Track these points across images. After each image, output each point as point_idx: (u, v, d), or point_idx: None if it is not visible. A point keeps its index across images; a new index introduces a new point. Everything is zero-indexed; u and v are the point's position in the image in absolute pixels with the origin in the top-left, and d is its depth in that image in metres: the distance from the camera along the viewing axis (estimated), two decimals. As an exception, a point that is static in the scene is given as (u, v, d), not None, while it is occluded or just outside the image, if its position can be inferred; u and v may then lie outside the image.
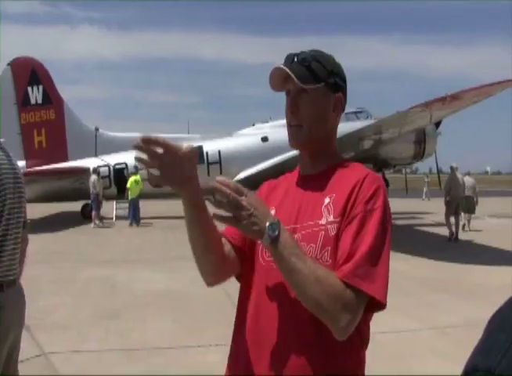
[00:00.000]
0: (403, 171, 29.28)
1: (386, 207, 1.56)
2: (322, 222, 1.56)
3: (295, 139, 1.67)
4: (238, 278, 1.76)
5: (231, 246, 1.70)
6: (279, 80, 1.65)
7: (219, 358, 5.16)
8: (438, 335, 5.92)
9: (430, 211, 21.98)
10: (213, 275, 1.69)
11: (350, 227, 1.50)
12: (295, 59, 1.64)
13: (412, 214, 22.32)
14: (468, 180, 16.69)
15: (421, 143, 20.04)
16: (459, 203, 15.42)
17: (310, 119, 1.64)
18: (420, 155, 20.53)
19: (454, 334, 5.94)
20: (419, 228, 17.49)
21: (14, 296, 2.58)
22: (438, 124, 20.30)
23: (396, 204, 25.29)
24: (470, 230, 17.07)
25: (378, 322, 6.70)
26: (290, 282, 1.44)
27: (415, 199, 30.81)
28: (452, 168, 15.60)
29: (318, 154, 1.71)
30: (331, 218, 1.55)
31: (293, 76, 1.59)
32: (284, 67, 1.61)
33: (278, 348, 1.52)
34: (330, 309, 1.39)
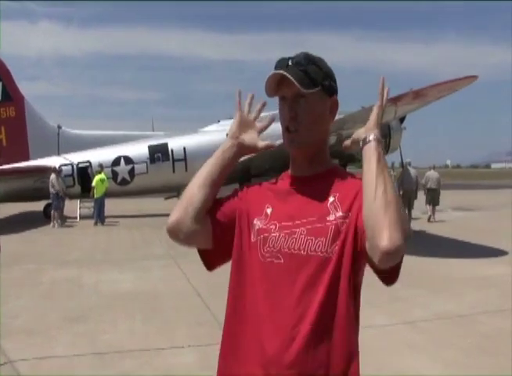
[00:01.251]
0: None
1: None
2: (331, 217, 1.57)
3: (293, 143, 1.67)
4: (201, 253, 1.76)
5: (211, 220, 1.70)
6: (274, 84, 1.63)
7: (193, 359, 5.10)
8: (411, 330, 5.94)
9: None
10: (196, 219, 1.68)
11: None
12: (289, 63, 1.63)
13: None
14: (433, 174, 17.75)
15: (386, 138, 20.24)
16: (411, 196, 16.61)
17: (308, 124, 1.65)
18: (385, 150, 20.72)
19: (427, 328, 5.98)
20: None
21: None
22: (402, 119, 20.55)
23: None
24: (435, 221, 17.53)
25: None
26: (381, 179, 1.49)
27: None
28: (405, 163, 17.38)
29: (314, 157, 1.71)
30: (340, 214, 1.57)
31: (295, 82, 1.58)
32: (285, 73, 1.59)
33: (303, 338, 1.51)
34: (402, 224, 1.45)
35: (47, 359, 5.11)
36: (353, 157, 21.13)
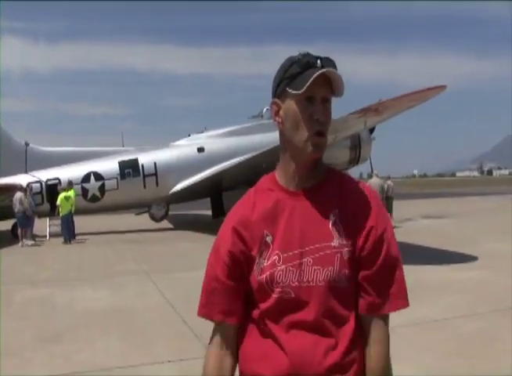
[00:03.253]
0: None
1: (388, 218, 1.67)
2: (335, 244, 1.53)
3: (321, 149, 1.57)
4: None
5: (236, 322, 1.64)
6: (320, 82, 1.50)
7: (174, 373, 5.05)
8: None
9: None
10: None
11: (374, 256, 1.55)
12: (322, 63, 1.53)
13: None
14: (375, 181, 18.22)
15: (356, 148, 20.52)
16: None
17: (328, 129, 1.59)
18: (355, 160, 21.02)
19: (404, 334, 6.03)
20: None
21: None
22: (372, 130, 20.86)
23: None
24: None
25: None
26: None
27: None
28: (372, 173, 18.90)
29: (318, 165, 1.63)
30: (343, 241, 1.54)
31: (340, 85, 1.52)
32: (336, 73, 1.51)
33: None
34: None
35: (23, 380, 5.00)
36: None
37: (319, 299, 1.51)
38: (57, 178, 19.53)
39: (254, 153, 17.15)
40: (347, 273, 1.52)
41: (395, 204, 19.64)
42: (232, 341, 1.63)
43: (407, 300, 1.60)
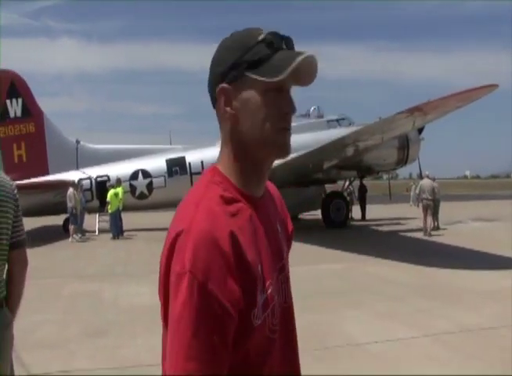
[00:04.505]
0: (384, 177, 29.46)
1: None
2: (286, 256, 1.41)
3: (290, 148, 1.28)
4: None
5: None
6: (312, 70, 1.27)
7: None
8: (434, 343, 5.83)
9: (416, 217, 21.96)
10: None
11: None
12: (289, 47, 1.27)
13: (397, 219, 22.38)
14: (427, 182, 17.57)
15: (405, 149, 20.15)
16: (429, 207, 17.03)
17: None
18: (403, 161, 20.64)
19: (450, 341, 5.88)
20: (404, 234, 17.52)
21: None
22: (421, 130, 20.44)
23: (380, 210, 25.59)
24: (432, 234, 16.92)
25: (371, 330, 6.65)
26: None
27: (397, 204, 30.94)
28: (423, 174, 18.31)
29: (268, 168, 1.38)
30: (287, 252, 1.44)
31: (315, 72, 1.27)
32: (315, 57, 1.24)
33: None
34: None
35: (68, 373, 5.12)
36: (370, 169, 21.07)
37: (289, 321, 1.35)
38: (106, 176, 19.96)
39: (301, 153, 17.06)
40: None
41: (442, 205, 19.19)
42: None
43: None
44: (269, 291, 1.22)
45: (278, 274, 1.30)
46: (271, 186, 1.46)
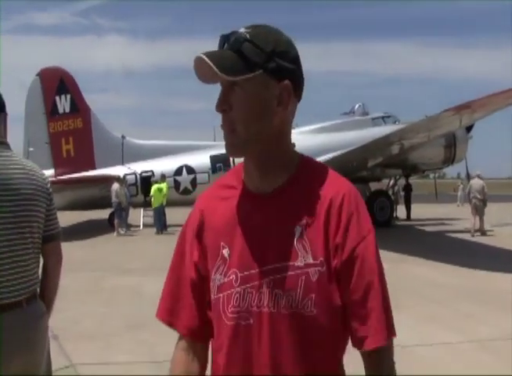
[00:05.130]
0: (431, 176, 28.84)
1: (371, 225, 1.34)
2: (300, 263, 1.26)
3: (229, 146, 1.31)
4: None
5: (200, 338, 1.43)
6: (208, 70, 1.23)
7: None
8: (480, 348, 5.62)
9: (463, 217, 21.39)
10: None
11: (349, 275, 1.26)
12: (226, 44, 1.29)
13: (443, 220, 21.87)
14: (477, 182, 17.14)
15: (451, 148, 19.67)
16: (478, 208, 16.79)
17: (245, 119, 1.28)
18: (450, 160, 20.16)
19: (497, 347, 5.66)
20: (450, 234, 17.08)
21: (14, 321, 2.31)
22: (469, 128, 19.91)
23: (426, 210, 25.09)
24: (479, 235, 16.60)
25: (415, 333, 6.46)
26: None
27: (444, 204, 30.27)
28: (474, 174, 17.89)
29: (267, 164, 1.33)
30: (310, 260, 1.26)
31: (214, 67, 1.21)
32: (204, 57, 1.22)
33: None
34: None
35: (107, 364, 5.19)
36: (416, 167, 20.67)
37: (280, 329, 1.27)
38: (151, 171, 20.20)
39: (345, 151, 16.86)
40: (314, 298, 1.24)
41: (490, 206, 18.58)
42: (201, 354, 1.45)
43: (387, 335, 1.28)
44: (231, 278, 1.30)
45: (264, 274, 1.27)
46: (336, 196, 1.30)
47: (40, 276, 2.55)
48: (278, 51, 1.27)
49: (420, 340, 5.87)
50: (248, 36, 1.26)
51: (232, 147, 1.31)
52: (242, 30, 1.29)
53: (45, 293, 2.58)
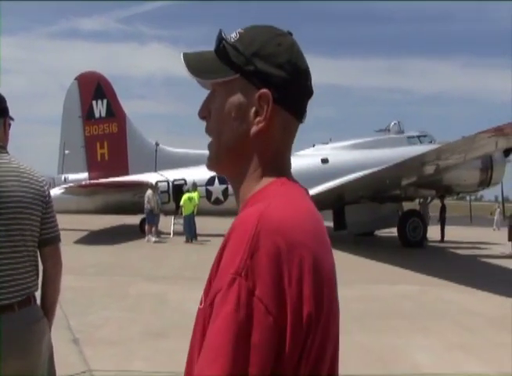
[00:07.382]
0: (467, 198, 28.26)
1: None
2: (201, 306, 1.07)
3: (207, 158, 1.17)
4: None
5: None
6: (186, 71, 1.15)
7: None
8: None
9: (499, 242, 20.81)
10: None
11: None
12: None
13: (478, 244, 21.31)
14: None
15: (488, 170, 19.25)
16: None
17: (216, 128, 1.13)
18: (486, 183, 19.73)
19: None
20: (485, 259, 16.61)
21: (4, 324, 2.31)
22: (508, 151, 19.43)
23: (460, 232, 24.51)
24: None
25: (439, 361, 6.23)
26: None
27: (480, 228, 29.55)
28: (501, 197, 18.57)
29: (235, 183, 1.16)
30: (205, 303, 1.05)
31: (186, 67, 1.11)
32: (181, 56, 1.14)
33: None
34: None
35: (125, 372, 5.13)
36: (450, 189, 20.25)
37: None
38: (183, 179, 20.26)
39: (378, 168, 16.62)
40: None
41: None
42: None
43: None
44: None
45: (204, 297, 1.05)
46: (237, 223, 1.09)
47: (40, 281, 2.58)
48: (262, 53, 1.09)
49: (445, 368, 5.66)
50: (235, 36, 1.12)
51: (207, 160, 1.17)
52: (238, 30, 1.14)
53: (44, 297, 2.60)
